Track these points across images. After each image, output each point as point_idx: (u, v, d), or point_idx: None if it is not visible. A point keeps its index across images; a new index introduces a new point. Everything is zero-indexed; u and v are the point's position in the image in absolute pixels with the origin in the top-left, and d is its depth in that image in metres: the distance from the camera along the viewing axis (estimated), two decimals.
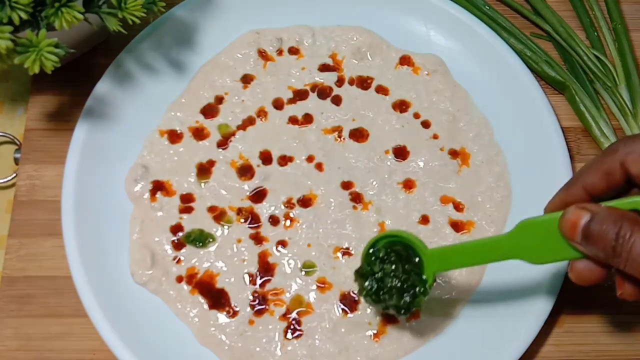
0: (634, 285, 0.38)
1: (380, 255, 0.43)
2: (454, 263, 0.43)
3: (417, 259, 0.43)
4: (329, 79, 0.58)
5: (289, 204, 0.53)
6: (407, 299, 0.42)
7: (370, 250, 0.44)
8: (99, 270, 0.49)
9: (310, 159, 0.55)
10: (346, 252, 0.52)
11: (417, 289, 0.42)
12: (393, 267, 0.43)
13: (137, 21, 0.47)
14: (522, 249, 0.39)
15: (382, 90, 0.58)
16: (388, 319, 0.50)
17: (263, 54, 0.59)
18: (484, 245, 0.41)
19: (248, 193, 0.54)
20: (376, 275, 0.43)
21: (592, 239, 0.36)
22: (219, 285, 0.50)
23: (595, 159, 0.39)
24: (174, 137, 0.55)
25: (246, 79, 0.58)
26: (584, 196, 0.39)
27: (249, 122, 0.56)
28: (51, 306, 0.51)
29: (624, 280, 0.38)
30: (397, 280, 0.42)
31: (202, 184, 0.54)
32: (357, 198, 0.53)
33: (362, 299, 0.46)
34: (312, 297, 0.50)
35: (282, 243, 0.52)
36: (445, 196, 0.54)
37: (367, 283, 0.43)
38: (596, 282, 0.38)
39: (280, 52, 0.59)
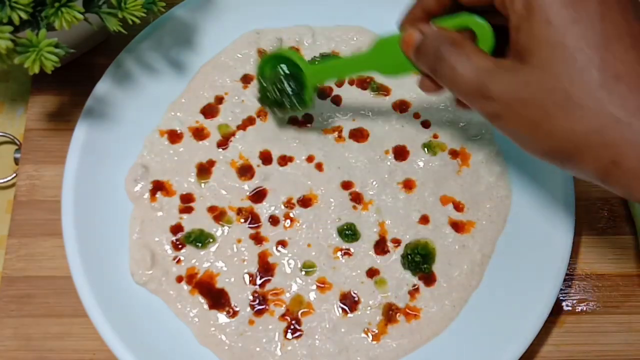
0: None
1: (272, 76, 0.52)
2: (329, 75, 0.50)
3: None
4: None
5: (289, 204, 0.53)
6: (294, 99, 0.52)
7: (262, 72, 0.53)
8: (99, 270, 0.49)
9: (310, 159, 0.55)
10: (346, 252, 0.52)
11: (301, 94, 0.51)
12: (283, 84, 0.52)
13: (137, 21, 0.47)
14: (379, 63, 0.45)
15: (382, 90, 0.58)
16: (388, 319, 0.50)
17: (263, 54, 0.59)
18: (351, 60, 0.48)
19: (248, 193, 0.54)
20: (272, 90, 0.52)
21: (420, 57, 0.40)
22: (219, 285, 0.50)
23: None
24: (174, 137, 0.55)
25: (246, 79, 0.58)
26: (424, 17, 0.41)
27: (249, 122, 0.56)
28: (51, 306, 0.51)
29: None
30: (286, 90, 0.52)
31: (202, 184, 0.54)
32: (357, 198, 0.53)
33: None
34: (312, 297, 0.50)
35: (282, 243, 0.52)
36: (445, 196, 0.54)
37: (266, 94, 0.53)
38: (435, 93, 0.43)
39: None
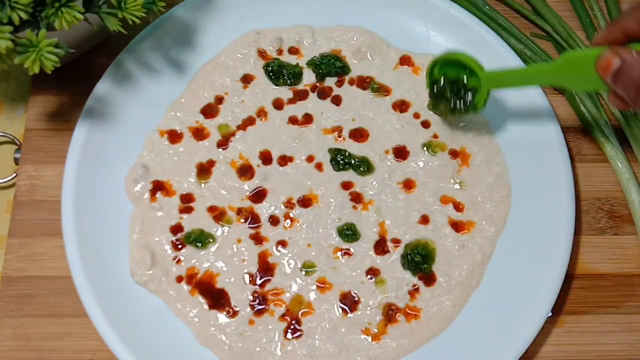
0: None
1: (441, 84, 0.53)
2: (506, 83, 0.51)
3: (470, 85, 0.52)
4: (329, 79, 0.58)
5: (289, 204, 0.53)
6: (468, 99, 0.52)
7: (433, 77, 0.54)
8: (99, 270, 0.49)
9: (310, 159, 0.55)
10: (346, 252, 0.52)
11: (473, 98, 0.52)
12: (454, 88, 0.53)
13: (137, 21, 0.47)
14: (564, 77, 0.45)
15: (382, 90, 0.58)
16: (388, 319, 0.50)
17: (263, 54, 0.59)
18: (532, 71, 0.48)
19: (248, 193, 0.54)
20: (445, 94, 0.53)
21: (620, 82, 0.40)
22: (219, 285, 0.50)
23: (637, 4, 0.41)
24: (174, 137, 0.55)
25: (246, 79, 0.58)
26: (622, 38, 0.41)
27: (249, 122, 0.56)
28: (51, 306, 0.51)
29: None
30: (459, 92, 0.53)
31: (202, 184, 0.54)
32: (357, 198, 0.53)
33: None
34: (312, 297, 0.50)
35: (282, 243, 0.52)
36: (445, 196, 0.54)
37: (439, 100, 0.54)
38: (625, 109, 0.45)
39: (280, 52, 0.59)
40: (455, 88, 0.52)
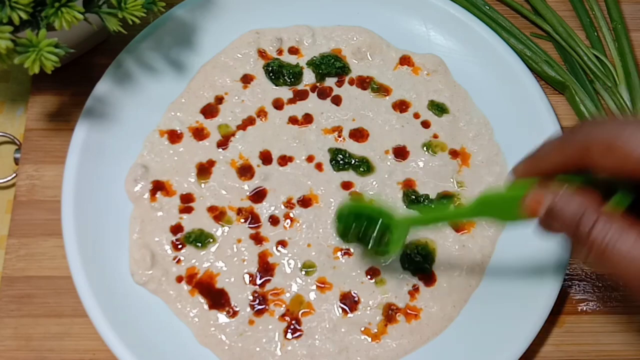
0: None
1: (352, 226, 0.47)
2: (422, 226, 0.47)
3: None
4: (329, 79, 0.58)
5: (289, 204, 0.53)
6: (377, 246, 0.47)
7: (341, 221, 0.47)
8: (99, 270, 0.49)
9: (310, 159, 0.55)
10: (346, 252, 0.52)
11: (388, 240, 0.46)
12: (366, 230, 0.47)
13: (137, 21, 0.47)
14: (484, 215, 0.41)
15: (382, 90, 0.58)
16: (388, 319, 0.50)
17: (263, 54, 0.59)
18: (449, 214, 0.45)
19: (248, 193, 0.54)
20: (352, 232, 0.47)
21: (554, 223, 0.36)
22: (219, 285, 0.50)
23: (561, 139, 0.37)
24: (174, 137, 0.55)
25: (246, 79, 0.58)
26: (547, 170, 0.38)
27: (249, 122, 0.56)
28: (51, 306, 0.51)
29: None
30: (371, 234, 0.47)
31: (202, 184, 0.54)
32: (357, 198, 0.53)
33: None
34: (312, 297, 0.50)
35: (282, 243, 0.52)
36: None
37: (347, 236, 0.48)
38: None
39: (280, 52, 0.59)
40: (365, 231, 0.46)
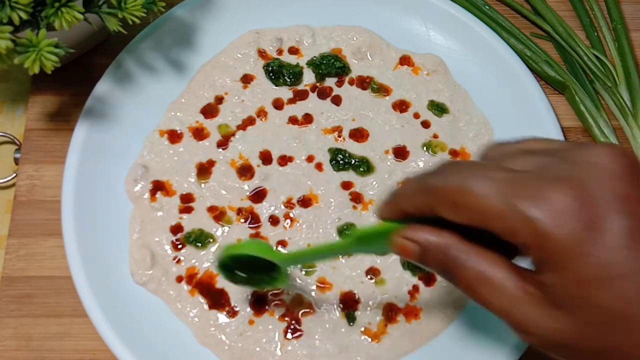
0: None
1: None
2: (303, 261, 0.47)
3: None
4: (329, 79, 0.58)
5: (289, 204, 0.53)
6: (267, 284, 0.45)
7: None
8: (99, 270, 0.49)
9: (310, 159, 0.55)
10: None
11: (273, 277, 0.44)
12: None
13: (137, 21, 0.47)
14: (360, 250, 0.40)
15: (382, 90, 0.58)
16: (388, 319, 0.50)
17: (263, 54, 0.59)
18: (326, 249, 0.42)
19: (248, 193, 0.53)
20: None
21: (430, 264, 0.34)
22: (219, 285, 0.50)
23: (415, 186, 0.35)
24: (174, 137, 0.55)
25: (246, 79, 0.58)
26: (401, 214, 0.36)
27: (249, 122, 0.56)
28: (51, 306, 0.51)
29: None
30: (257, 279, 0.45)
31: (202, 184, 0.54)
32: (357, 198, 0.53)
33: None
34: (312, 297, 0.50)
35: (282, 243, 0.52)
36: None
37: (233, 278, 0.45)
38: None
39: (280, 52, 0.59)
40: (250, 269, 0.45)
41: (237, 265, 0.44)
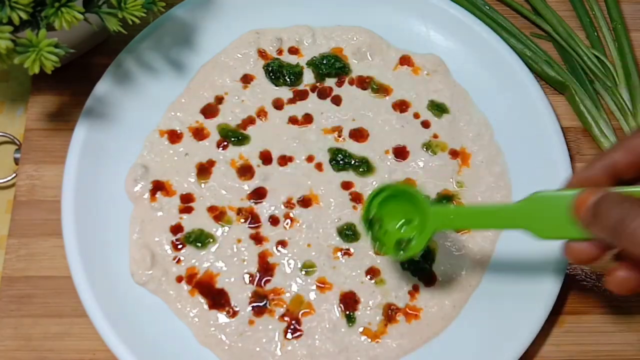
0: (625, 275, 0.37)
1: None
2: (457, 224, 0.43)
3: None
4: (329, 79, 0.58)
5: (289, 204, 0.53)
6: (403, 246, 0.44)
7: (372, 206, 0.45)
8: (99, 270, 0.49)
9: (310, 159, 0.55)
10: (346, 252, 0.52)
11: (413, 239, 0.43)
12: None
13: (137, 21, 0.47)
14: (529, 221, 0.38)
15: (382, 90, 0.58)
16: (388, 319, 0.50)
17: (263, 54, 0.59)
18: (492, 211, 0.40)
19: (248, 193, 0.53)
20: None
21: (596, 223, 0.35)
22: (219, 285, 0.50)
23: (626, 137, 0.37)
24: (174, 137, 0.55)
25: (246, 79, 0.58)
26: (604, 178, 0.37)
27: (249, 122, 0.56)
28: (51, 306, 0.51)
29: (617, 270, 0.37)
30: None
31: (202, 184, 0.54)
32: (357, 198, 0.53)
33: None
34: (312, 297, 0.50)
35: (282, 243, 0.52)
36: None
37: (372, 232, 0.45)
38: (588, 262, 0.39)
39: (280, 52, 0.59)
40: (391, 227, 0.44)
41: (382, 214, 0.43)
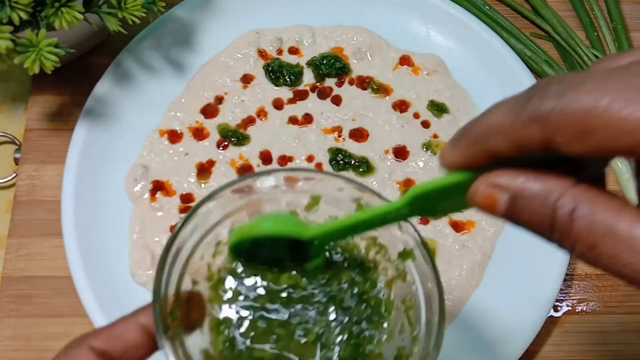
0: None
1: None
2: (342, 235, 0.34)
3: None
4: (329, 79, 0.58)
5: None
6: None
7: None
8: (99, 270, 0.49)
9: (310, 159, 0.55)
10: None
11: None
12: None
13: (137, 21, 0.47)
14: (417, 212, 0.31)
15: (382, 90, 0.58)
16: None
17: (263, 54, 0.59)
18: (371, 215, 0.32)
19: None
20: None
21: (521, 220, 0.26)
22: None
23: (508, 117, 0.25)
24: (174, 137, 0.55)
25: (246, 79, 0.58)
26: (485, 157, 0.27)
27: (249, 122, 0.56)
28: (51, 306, 0.51)
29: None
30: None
31: (202, 184, 0.54)
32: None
33: None
34: None
35: None
36: None
37: None
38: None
39: (280, 52, 0.59)
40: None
41: (256, 249, 0.34)
